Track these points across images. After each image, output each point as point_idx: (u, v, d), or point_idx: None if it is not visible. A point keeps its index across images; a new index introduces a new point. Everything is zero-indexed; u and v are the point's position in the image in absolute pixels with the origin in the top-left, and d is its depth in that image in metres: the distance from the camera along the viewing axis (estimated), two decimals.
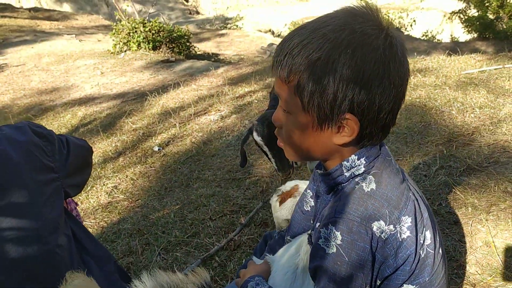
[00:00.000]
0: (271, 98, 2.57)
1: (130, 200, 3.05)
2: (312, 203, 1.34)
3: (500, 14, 10.63)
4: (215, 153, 3.50)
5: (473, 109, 3.23)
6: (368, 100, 0.86)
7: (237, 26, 16.58)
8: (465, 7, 11.48)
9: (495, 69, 4.21)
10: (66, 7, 17.50)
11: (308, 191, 1.36)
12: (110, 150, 4.00)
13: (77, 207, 1.86)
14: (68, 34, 11.07)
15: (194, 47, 9.73)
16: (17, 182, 1.22)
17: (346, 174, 0.97)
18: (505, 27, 10.50)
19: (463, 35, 12.22)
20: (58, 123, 5.27)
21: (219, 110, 4.53)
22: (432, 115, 3.26)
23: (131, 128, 4.52)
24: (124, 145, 4.07)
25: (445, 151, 2.66)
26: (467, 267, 1.74)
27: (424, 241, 0.97)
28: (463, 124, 3.00)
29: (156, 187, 3.16)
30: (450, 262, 1.78)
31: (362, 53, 0.83)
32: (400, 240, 0.92)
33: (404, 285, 0.97)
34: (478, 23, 10.96)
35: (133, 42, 8.57)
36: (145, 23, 8.71)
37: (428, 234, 0.99)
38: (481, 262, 1.76)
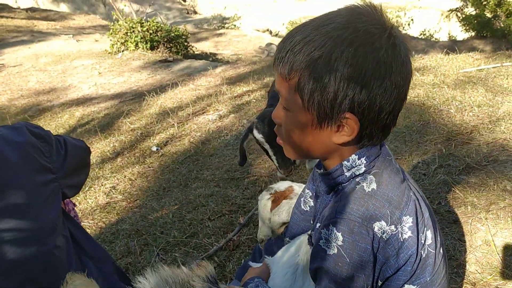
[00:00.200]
0: (269, 97, 2.57)
1: (129, 200, 3.04)
2: (312, 203, 1.33)
3: (498, 13, 10.64)
4: (213, 153, 3.49)
5: (472, 107, 3.22)
6: (369, 100, 0.85)
7: (234, 25, 16.56)
8: (462, 6, 11.48)
9: (493, 67, 4.21)
10: (63, 7, 17.45)
11: (307, 191, 1.35)
12: (108, 151, 3.98)
13: (75, 208, 1.85)
14: (65, 34, 11.03)
15: (192, 47, 9.70)
16: (15, 183, 1.21)
17: (346, 174, 0.97)
18: (502, 25, 10.51)
19: (461, 34, 12.23)
20: (56, 124, 5.25)
21: (217, 110, 4.52)
22: (430, 113, 3.26)
23: (129, 128, 4.51)
24: (122, 145, 4.06)
25: (444, 150, 2.66)
26: (467, 266, 1.74)
27: (425, 241, 0.96)
28: (462, 123, 3.00)
29: (154, 187, 3.15)
30: (450, 261, 1.78)
31: (364, 52, 0.82)
32: (402, 240, 0.91)
33: (406, 286, 0.96)
34: (475, 21, 10.97)
35: (130, 42, 8.54)
36: (143, 23, 8.68)
37: (429, 233, 0.98)
38: (481, 261, 1.75)
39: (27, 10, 14.51)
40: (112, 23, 9.11)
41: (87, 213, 2.94)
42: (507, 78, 3.77)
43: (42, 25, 12.32)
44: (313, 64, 0.84)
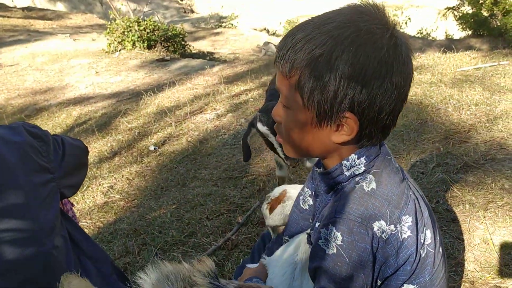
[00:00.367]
0: (267, 95, 2.56)
1: (126, 200, 3.03)
2: (311, 202, 1.33)
3: (494, 11, 10.65)
4: (211, 152, 3.49)
5: (469, 106, 3.23)
6: (368, 100, 0.85)
7: (232, 24, 16.54)
8: (459, 4, 11.50)
9: (490, 66, 4.22)
10: (60, 6, 17.39)
11: (307, 189, 1.35)
12: (106, 150, 3.98)
13: (73, 208, 1.85)
14: (62, 34, 10.99)
15: (189, 45, 9.68)
16: (13, 183, 1.21)
17: (346, 173, 0.96)
18: (499, 24, 10.52)
19: (458, 32, 12.24)
20: (53, 123, 5.24)
21: (215, 109, 4.52)
22: (428, 112, 3.26)
23: (126, 127, 4.50)
24: (119, 145, 4.05)
25: (441, 149, 2.67)
26: (466, 265, 1.74)
27: (424, 241, 0.96)
28: (459, 122, 3.01)
29: (152, 187, 3.14)
30: (449, 260, 1.78)
31: (365, 51, 0.82)
32: (401, 240, 0.91)
33: (405, 285, 0.96)
34: (472, 20, 10.98)
35: (127, 41, 8.52)
36: (140, 22, 8.66)
37: (429, 233, 0.98)
38: (480, 259, 1.76)
39: (23, 9, 14.45)
40: (109, 22, 9.08)
41: (85, 213, 2.94)
42: (504, 77, 3.78)
43: (39, 24, 12.28)
44: (314, 63, 0.83)
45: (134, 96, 5.82)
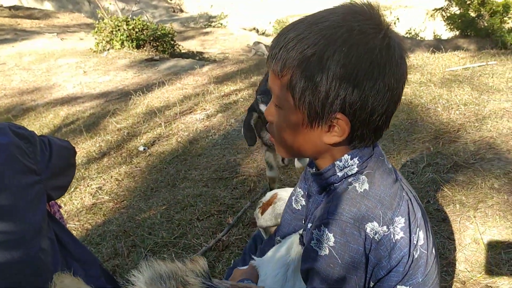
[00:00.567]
0: (257, 95, 2.54)
1: (115, 201, 3.00)
2: (303, 202, 1.32)
3: (481, 12, 10.77)
4: (201, 153, 3.47)
5: (458, 106, 3.25)
6: (360, 101, 0.83)
7: (221, 24, 16.51)
8: (447, 5, 11.60)
9: (478, 66, 4.25)
10: (47, 5, 17.21)
11: (299, 189, 1.34)
12: (94, 151, 3.93)
13: (60, 210, 1.82)
14: (49, 33, 10.87)
15: (179, 45, 9.64)
16: None
17: (338, 174, 0.96)
18: (486, 24, 10.64)
19: (446, 33, 12.35)
20: (40, 123, 5.17)
21: (204, 109, 4.49)
22: (418, 112, 3.27)
23: (115, 127, 4.46)
24: (108, 145, 4.01)
25: (432, 148, 2.67)
26: (457, 265, 1.75)
27: (417, 242, 0.96)
28: (449, 121, 3.02)
29: (142, 188, 3.11)
30: (440, 260, 1.78)
31: (357, 52, 0.80)
32: (394, 241, 0.90)
33: (398, 286, 0.95)
34: (460, 20, 11.09)
35: (116, 41, 8.45)
36: (129, 21, 8.60)
37: (421, 234, 0.97)
38: (470, 259, 1.76)
39: (10, 8, 14.26)
40: (97, 22, 9.00)
41: (72, 214, 2.90)
42: (492, 77, 3.81)
43: (26, 24, 12.13)
44: (306, 62, 0.82)
45: (123, 96, 5.77)
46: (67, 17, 14.05)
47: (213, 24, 16.54)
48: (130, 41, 8.45)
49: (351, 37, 0.81)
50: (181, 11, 20.71)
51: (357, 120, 0.86)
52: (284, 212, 1.42)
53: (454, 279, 1.68)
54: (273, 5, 19.54)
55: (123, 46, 8.47)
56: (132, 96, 5.41)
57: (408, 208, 0.95)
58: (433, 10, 12.58)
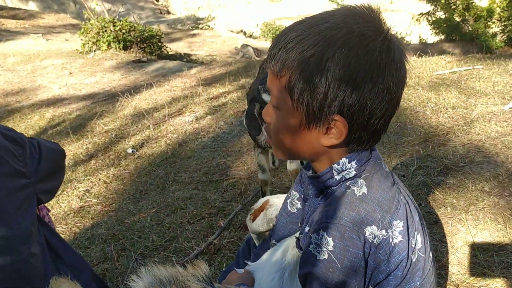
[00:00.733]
0: (248, 99, 2.53)
1: (104, 204, 2.95)
2: (299, 205, 1.31)
3: (466, 17, 10.90)
4: (191, 155, 3.44)
5: (447, 109, 3.28)
6: (359, 103, 0.83)
7: (209, 26, 16.46)
8: (433, 10, 11.72)
9: (465, 70, 4.30)
10: (32, 6, 16.97)
11: (294, 192, 1.33)
12: (81, 153, 3.87)
13: (49, 213, 1.79)
14: (34, 33, 10.73)
15: (166, 47, 9.58)
16: None
17: (336, 177, 0.95)
18: (470, 29, 10.77)
19: (431, 37, 12.48)
20: (25, 125, 5.08)
21: (193, 111, 4.47)
22: (407, 115, 3.30)
23: (102, 129, 4.40)
24: (95, 147, 3.96)
25: (421, 151, 2.69)
26: (450, 267, 1.75)
27: (415, 245, 0.96)
28: (438, 124, 3.05)
29: (130, 190, 3.07)
30: None
31: (357, 54, 0.80)
32: (393, 245, 0.90)
33: None
34: (445, 25, 11.21)
35: (103, 42, 8.36)
36: (115, 22, 8.52)
37: (419, 238, 0.97)
38: (463, 262, 1.77)
39: None
40: (83, 22, 8.90)
41: (60, 218, 2.84)
42: (479, 81, 3.86)
43: (10, 24, 11.96)
44: (305, 63, 0.82)
45: (110, 98, 5.70)
46: (52, 18, 13.89)
47: (200, 26, 16.49)
48: (117, 42, 8.37)
49: (351, 39, 0.81)
50: (168, 12, 20.62)
51: (355, 122, 0.86)
52: (279, 215, 1.41)
53: (448, 282, 1.68)
54: (261, 8, 19.57)
55: (109, 47, 8.39)
56: (120, 98, 5.35)
57: (406, 211, 0.95)
58: (419, 14, 12.70)
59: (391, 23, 0.90)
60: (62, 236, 2.51)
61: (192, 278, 0.78)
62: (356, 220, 0.88)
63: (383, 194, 0.92)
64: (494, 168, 2.33)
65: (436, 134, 2.90)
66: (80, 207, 2.95)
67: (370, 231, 0.87)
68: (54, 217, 2.86)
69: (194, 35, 13.48)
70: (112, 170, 3.43)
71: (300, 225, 1.25)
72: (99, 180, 3.30)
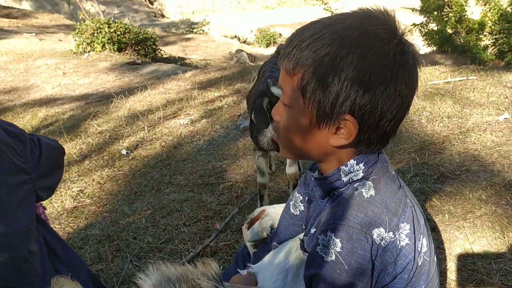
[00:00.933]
0: (267, 80, 2.43)
1: (98, 204, 2.92)
2: (302, 208, 1.31)
3: (458, 29, 11.04)
4: (186, 158, 3.42)
5: (442, 118, 3.31)
6: (370, 104, 0.83)
7: (203, 31, 16.48)
8: (425, 21, 11.86)
9: (459, 80, 4.34)
10: (26, 5, 16.88)
11: (298, 195, 1.32)
12: (75, 153, 3.84)
13: (45, 212, 1.77)
14: (28, 33, 10.65)
15: (160, 50, 9.57)
16: None
17: (344, 179, 0.95)
18: (462, 41, 10.90)
19: (423, 48, 12.62)
20: (18, 124, 4.98)
21: (188, 114, 4.45)
22: (403, 123, 3.29)
23: (96, 130, 4.37)
24: (89, 148, 3.92)
25: (418, 159, 2.71)
26: (448, 274, 1.76)
27: (421, 249, 0.96)
28: (433, 133, 3.07)
29: (125, 192, 3.05)
30: None
31: (371, 55, 0.81)
32: (399, 247, 0.90)
33: None
34: (437, 36, 11.34)
35: (97, 43, 8.32)
36: (110, 24, 8.49)
37: (425, 241, 0.97)
38: (462, 269, 1.78)
39: None
40: (78, 23, 8.86)
41: (53, 217, 2.81)
42: (473, 91, 3.90)
43: (3, 23, 11.86)
44: (319, 62, 0.82)
45: (104, 99, 5.67)
46: (46, 18, 13.81)
47: (194, 30, 16.50)
48: (111, 43, 8.34)
49: (366, 40, 0.81)
50: (162, 16, 20.62)
51: (366, 123, 0.86)
52: (281, 217, 1.41)
53: None
54: (255, 14, 19.66)
55: (104, 48, 8.36)
56: (114, 99, 5.32)
57: (413, 214, 0.95)
58: (412, 25, 12.85)
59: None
60: None
61: (202, 277, 0.78)
62: (364, 222, 0.87)
63: (390, 196, 0.92)
64: (490, 177, 2.35)
65: (432, 142, 2.92)
66: (74, 207, 2.92)
67: (378, 233, 0.87)
68: (48, 217, 2.82)
69: (188, 39, 13.49)
70: (106, 171, 3.40)
71: (304, 227, 1.24)
72: (92, 181, 3.27)
